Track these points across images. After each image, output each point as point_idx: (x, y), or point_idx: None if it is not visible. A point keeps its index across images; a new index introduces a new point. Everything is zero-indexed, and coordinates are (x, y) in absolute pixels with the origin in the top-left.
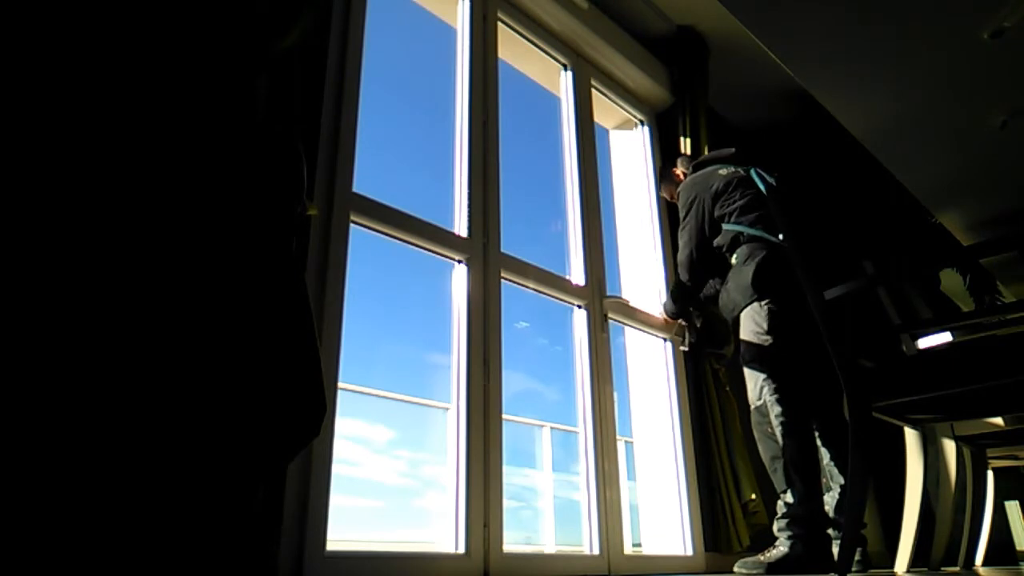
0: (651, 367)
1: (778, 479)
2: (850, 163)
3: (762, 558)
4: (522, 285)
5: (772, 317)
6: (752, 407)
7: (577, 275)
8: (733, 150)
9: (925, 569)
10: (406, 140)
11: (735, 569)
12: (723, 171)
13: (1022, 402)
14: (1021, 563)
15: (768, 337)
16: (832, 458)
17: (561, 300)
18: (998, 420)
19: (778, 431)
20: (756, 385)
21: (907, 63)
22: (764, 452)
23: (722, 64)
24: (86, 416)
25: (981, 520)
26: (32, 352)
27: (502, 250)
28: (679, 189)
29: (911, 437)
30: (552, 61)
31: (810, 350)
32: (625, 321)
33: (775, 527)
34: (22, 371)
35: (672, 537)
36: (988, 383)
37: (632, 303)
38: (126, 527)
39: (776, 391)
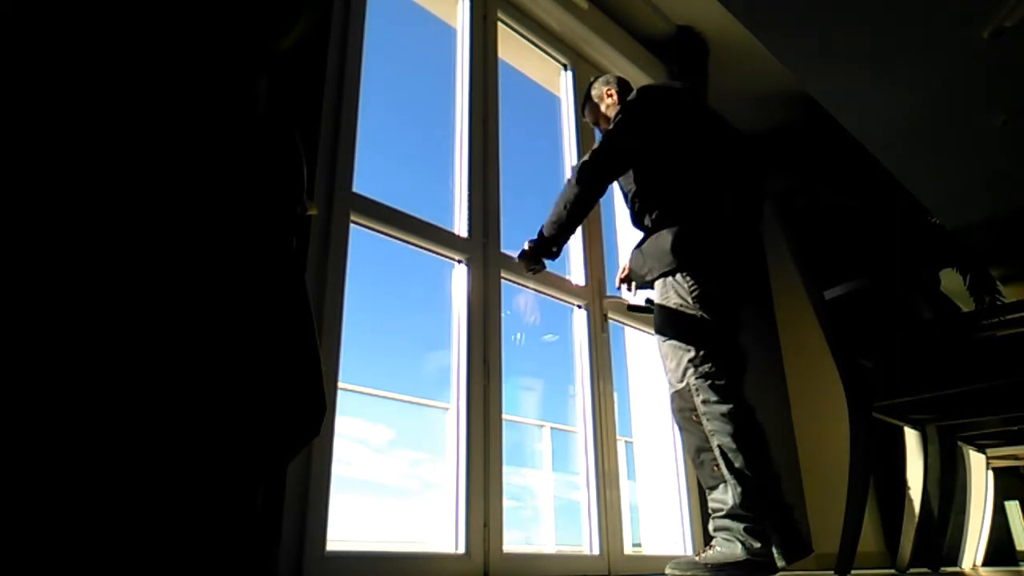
0: (651, 367)
1: (704, 474)
2: (850, 163)
3: (698, 559)
4: (522, 285)
5: (697, 289)
6: (672, 390)
7: (577, 275)
8: (683, 85)
9: (925, 569)
10: (406, 140)
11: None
12: (671, 111)
13: (1022, 402)
14: (1021, 563)
15: (694, 311)
16: None
17: (561, 300)
18: (998, 420)
19: (704, 419)
20: (679, 365)
21: (907, 63)
22: (688, 443)
23: (721, 64)
24: (85, 416)
25: (981, 520)
26: (31, 352)
27: (502, 250)
28: (622, 106)
29: (911, 437)
30: (552, 61)
31: (732, 327)
32: (625, 321)
33: (711, 526)
34: (21, 371)
35: (672, 537)
36: (988, 383)
37: (632, 303)
38: (126, 527)
39: (704, 374)
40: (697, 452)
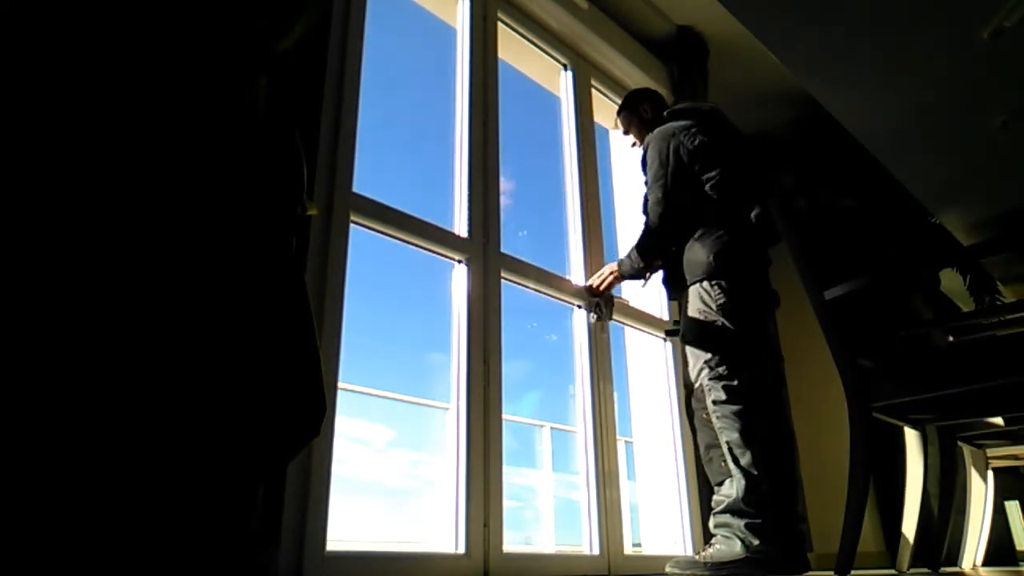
0: (651, 367)
1: (713, 470)
2: (850, 163)
3: (698, 558)
4: (522, 285)
5: (722, 297)
6: (691, 392)
7: (577, 275)
8: (713, 104)
9: (925, 569)
10: (407, 140)
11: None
12: (701, 132)
13: (1022, 402)
14: (1021, 563)
15: (715, 318)
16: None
17: (561, 300)
18: (998, 420)
19: (713, 417)
20: (695, 367)
21: (907, 63)
22: (700, 442)
23: (722, 64)
24: (84, 416)
25: (981, 520)
26: (30, 352)
27: (502, 250)
28: (649, 138)
29: (911, 437)
30: (552, 61)
31: (762, 334)
32: (625, 321)
33: (711, 523)
34: (21, 372)
35: (672, 537)
36: (988, 383)
37: (632, 303)
38: (124, 527)
39: (717, 376)
40: (707, 449)
